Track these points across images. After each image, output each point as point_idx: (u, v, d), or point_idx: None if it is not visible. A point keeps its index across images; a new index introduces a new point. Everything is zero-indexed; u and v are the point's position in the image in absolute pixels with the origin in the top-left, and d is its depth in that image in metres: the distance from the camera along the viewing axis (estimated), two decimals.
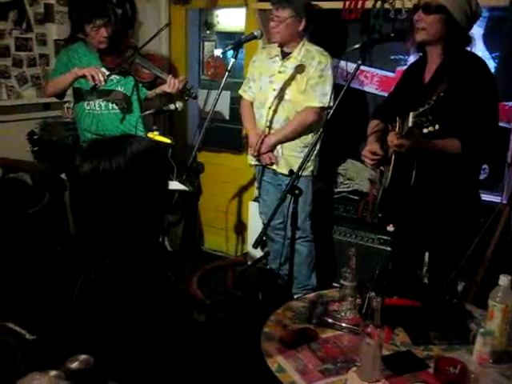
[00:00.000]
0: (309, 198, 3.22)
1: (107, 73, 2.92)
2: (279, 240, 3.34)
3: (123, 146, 1.25)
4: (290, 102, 3.09)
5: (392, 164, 2.28)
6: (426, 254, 2.57)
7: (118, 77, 3.10)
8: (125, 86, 3.13)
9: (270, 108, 3.13)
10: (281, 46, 3.12)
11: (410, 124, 2.01)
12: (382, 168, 2.45)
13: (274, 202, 3.10)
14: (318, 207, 3.32)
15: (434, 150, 2.16)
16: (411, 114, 1.99)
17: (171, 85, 2.97)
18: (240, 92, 3.37)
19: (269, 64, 3.18)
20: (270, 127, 3.16)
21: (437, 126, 1.93)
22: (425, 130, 1.96)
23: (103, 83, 2.90)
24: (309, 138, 3.13)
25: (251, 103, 3.30)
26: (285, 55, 3.13)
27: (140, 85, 3.16)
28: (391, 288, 1.96)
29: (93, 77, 2.87)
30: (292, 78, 3.07)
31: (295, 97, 3.08)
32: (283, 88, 3.08)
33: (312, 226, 3.30)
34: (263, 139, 3.16)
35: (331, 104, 2.95)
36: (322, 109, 3.05)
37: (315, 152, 3.15)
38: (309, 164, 3.13)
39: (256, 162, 3.30)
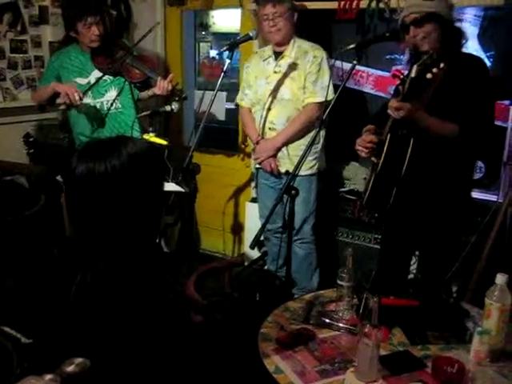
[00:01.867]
0: (312, 197, 3.16)
1: (81, 95, 2.90)
2: (278, 243, 3.28)
3: (118, 147, 1.24)
4: (291, 101, 3.06)
5: (385, 148, 2.24)
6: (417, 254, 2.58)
7: (111, 77, 3.09)
8: (119, 86, 3.12)
9: (270, 109, 3.10)
10: (280, 44, 3.06)
11: (413, 75, 1.97)
12: (373, 159, 2.42)
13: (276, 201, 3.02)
14: (320, 208, 3.28)
15: (431, 124, 2.14)
16: (415, 65, 1.96)
17: (160, 87, 2.94)
18: (237, 101, 3.34)
19: (263, 66, 3.16)
20: (265, 127, 3.13)
21: (441, 65, 1.88)
22: (428, 75, 1.91)
23: (78, 103, 2.90)
24: (311, 135, 3.02)
25: (250, 110, 3.26)
26: (277, 55, 3.10)
27: (132, 86, 3.16)
28: (388, 288, 1.96)
29: (68, 95, 2.86)
30: (288, 76, 3.04)
31: (295, 94, 3.05)
32: (282, 87, 3.05)
33: (315, 227, 3.24)
34: (258, 143, 3.13)
35: (331, 96, 2.93)
36: (324, 103, 2.96)
37: (319, 148, 3.13)
38: (313, 162, 3.11)
39: (259, 166, 3.27)
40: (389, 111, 2.17)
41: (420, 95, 2.08)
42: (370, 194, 2.41)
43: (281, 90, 3.06)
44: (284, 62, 3.07)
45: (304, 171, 3.03)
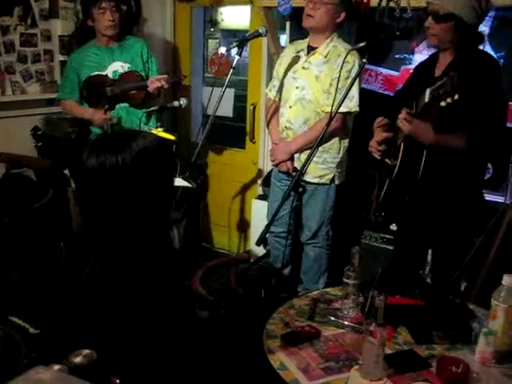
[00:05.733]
0: (327, 206, 3.03)
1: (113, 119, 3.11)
2: (279, 247, 3.21)
3: (129, 141, 1.25)
4: (311, 103, 2.89)
5: (400, 154, 2.25)
6: (429, 253, 2.57)
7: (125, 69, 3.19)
8: None
9: (290, 107, 2.95)
10: (311, 30, 2.90)
11: (426, 100, 1.95)
12: (387, 161, 2.42)
13: (284, 208, 2.72)
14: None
15: (440, 142, 2.14)
16: (428, 90, 1.93)
17: (151, 87, 3.08)
18: (266, 91, 3.24)
19: (294, 59, 2.97)
20: (288, 128, 2.98)
21: (456, 96, 1.86)
22: (442, 103, 1.89)
23: (114, 121, 3.11)
24: (329, 144, 2.93)
25: (276, 102, 3.11)
26: (310, 50, 2.92)
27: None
28: (394, 287, 1.96)
29: (102, 123, 3.07)
30: (315, 75, 2.88)
31: (316, 97, 2.87)
32: (306, 86, 2.89)
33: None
34: (278, 146, 3.03)
35: (357, 109, 2.85)
36: (348, 114, 2.86)
37: (337, 160, 2.97)
38: (326, 172, 2.96)
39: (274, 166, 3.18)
40: (398, 122, 2.17)
41: (429, 115, 2.08)
42: (385, 195, 2.42)
43: (305, 88, 2.90)
44: (314, 59, 2.90)
45: (315, 179, 2.96)
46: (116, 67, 3.16)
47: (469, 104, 2.12)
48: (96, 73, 3.16)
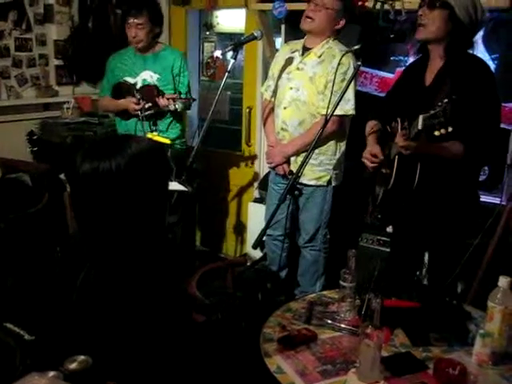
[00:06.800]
0: (325, 208, 3.02)
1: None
2: (276, 250, 3.20)
3: (123, 146, 1.25)
4: (306, 104, 2.87)
5: (395, 166, 2.27)
6: (426, 256, 2.57)
7: (154, 79, 3.27)
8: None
9: (285, 108, 2.94)
10: (309, 33, 2.88)
11: (419, 127, 1.97)
12: (383, 170, 2.43)
13: (281, 209, 2.65)
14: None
15: (438, 153, 2.15)
16: (421, 117, 1.94)
17: (161, 104, 3.13)
18: (262, 90, 3.22)
19: (289, 59, 2.96)
20: (284, 129, 2.97)
21: (450, 129, 1.88)
22: (436, 133, 1.91)
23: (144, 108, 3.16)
24: (326, 146, 2.92)
25: (271, 103, 3.09)
26: (305, 51, 2.91)
27: None
28: (390, 289, 1.96)
29: (135, 111, 3.17)
30: (309, 76, 2.86)
31: (311, 98, 2.86)
32: (300, 87, 2.88)
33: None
34: (275, 148, 3.02)
35: (353, 112, 2.84)
36: (344, 117, 2.85)
37: (334, 161, 2.96)
38: (323, 174, 2.95)
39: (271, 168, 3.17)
40: (397, 146, 2.18)
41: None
42: (381, 204, 2.43)
43: (299, 89, 2.89)
44: (309, 60, 2.88)
45: (312, 181, 2.95)
46: (146, 76, 3.23)
47: (464, 111, 2.12)
48: (126, 79, 3.26)
